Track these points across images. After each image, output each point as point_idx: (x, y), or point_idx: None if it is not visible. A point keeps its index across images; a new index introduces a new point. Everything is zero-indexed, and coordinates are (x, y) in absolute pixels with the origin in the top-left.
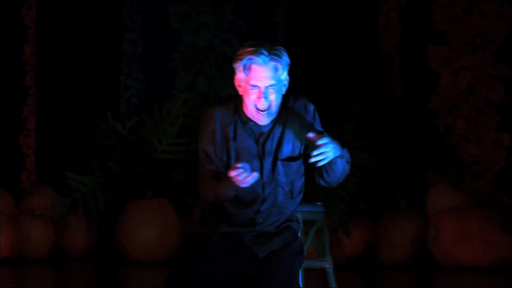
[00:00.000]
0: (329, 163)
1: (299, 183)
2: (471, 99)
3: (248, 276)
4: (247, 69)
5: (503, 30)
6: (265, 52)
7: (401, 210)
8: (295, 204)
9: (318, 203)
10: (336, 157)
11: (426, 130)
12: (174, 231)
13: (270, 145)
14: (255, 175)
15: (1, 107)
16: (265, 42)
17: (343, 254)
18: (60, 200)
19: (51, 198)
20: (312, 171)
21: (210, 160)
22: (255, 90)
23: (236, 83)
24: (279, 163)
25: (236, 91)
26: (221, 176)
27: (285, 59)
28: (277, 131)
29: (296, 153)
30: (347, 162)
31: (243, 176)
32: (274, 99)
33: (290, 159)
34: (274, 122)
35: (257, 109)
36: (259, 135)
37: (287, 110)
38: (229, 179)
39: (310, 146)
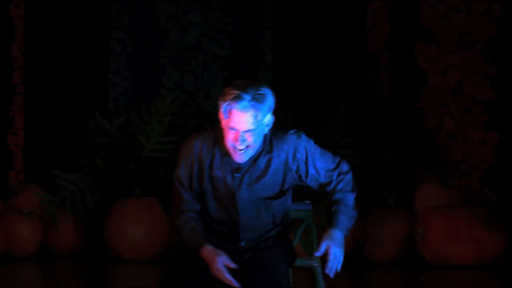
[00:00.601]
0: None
1: (282, 214)
2: (459, 97)
3: (240, 274)
4: (227, 112)
5: (491, 29)
6: (247, 98)
7: (389, 208)
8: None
9: (306, 202)
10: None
11: (414, 128)
12: (162, 229)
13: (248, 179)
14: None
15: None
16: (250, 84)
17: None
18: (48, 199)
19: (39, 197)
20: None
21: (186, 191)
22: (233, 132)
23: (220, 116)
24: (258, 200)
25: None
26: (196, 234)
27: (268, 103)
28: (258, 167)
29: (276, 191)
30: (353, 218)
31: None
32: (252, 142)
33: (272, 197)
34: (256, 157)
35: (235, 148)
36: (237, 169)
37: (272, 146)
38: (200, 244)
39: (300, 179)
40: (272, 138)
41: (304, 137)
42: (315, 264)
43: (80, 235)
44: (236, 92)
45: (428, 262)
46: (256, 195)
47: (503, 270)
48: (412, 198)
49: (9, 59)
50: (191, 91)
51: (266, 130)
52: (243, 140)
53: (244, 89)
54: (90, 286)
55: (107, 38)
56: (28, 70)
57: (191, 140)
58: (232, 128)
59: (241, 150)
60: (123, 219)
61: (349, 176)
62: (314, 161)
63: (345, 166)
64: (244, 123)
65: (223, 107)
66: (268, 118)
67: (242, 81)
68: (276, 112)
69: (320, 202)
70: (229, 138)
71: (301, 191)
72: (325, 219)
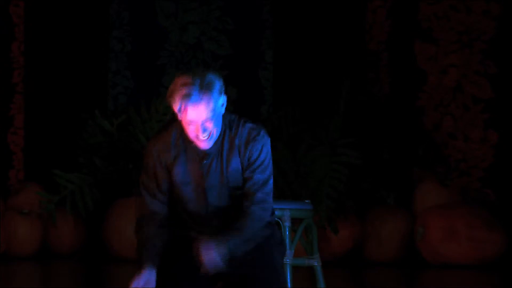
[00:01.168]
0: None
1: None
2: (458, 97)
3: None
4: (181, 109)
5: (490, 28)
6: (195, 91)
7: (388, 207)
8: None
9: (306, 201)
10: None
11: (413, 127)
12: None
13: (215, 165)
14: None
15: None
16: (196, 74)
17: (331, 251)
18: (47, 198)
19: (39, 196)
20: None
21: (152, 197)
22: (193, 125)
23: (175, 113)
24: (228, 188)
25: None
26: (146, 250)
27: (217, 87)
28: (224, 152)
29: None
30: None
31: None
32: (213, 126)
33: (240, 180)
34: (221, 140)
35: (198, 137)
36: (203, 156)
37: (237, 132)
38: (143, 263)
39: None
40: (237, 124)
41: (267, 138)
42: (315, 263)
43: (80, 234)
44: (183, 90)
45: (427, 261)
46: (225, 179)
47: (502, 269)
48: (411, 197)
49: (8, 58)
50: None
51: (223, 109)
52: (205, 130)
53: (190, 83)
54: (89, 286)
55: (107, 37)
56: (28, 70)
57: (149, 145)
58: (191, 122)
59: (205, 137)
60: (122, 219)
61: (267, 198)
62: (259, 166)
63: (268, 196)
64: (200, 115)
65: (175, 106)
66: (222, 99)
67: (184, 75)
68: (275, 111)
69: (320, 202)
70: (190, 130)
71: (301, 191)
72: (325, 219)
